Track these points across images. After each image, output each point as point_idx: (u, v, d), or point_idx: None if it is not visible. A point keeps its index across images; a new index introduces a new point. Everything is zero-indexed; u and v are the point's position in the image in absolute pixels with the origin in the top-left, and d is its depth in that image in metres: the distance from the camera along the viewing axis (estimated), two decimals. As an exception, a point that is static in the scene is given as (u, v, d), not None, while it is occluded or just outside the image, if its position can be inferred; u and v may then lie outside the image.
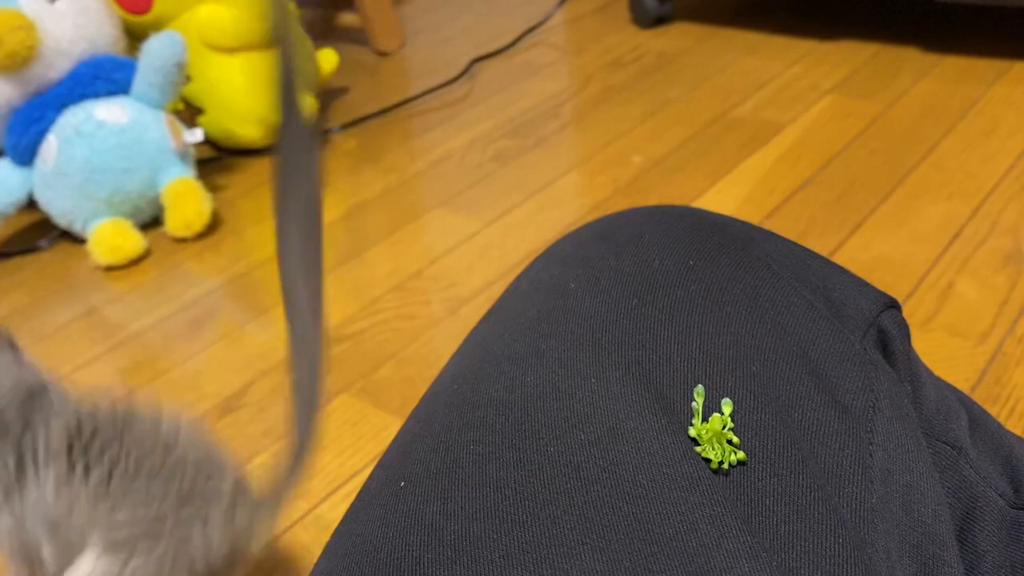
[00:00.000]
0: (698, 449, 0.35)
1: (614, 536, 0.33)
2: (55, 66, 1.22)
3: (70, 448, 0.58)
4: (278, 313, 1.11)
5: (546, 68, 1.67)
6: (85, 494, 0.57)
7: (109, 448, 0.59)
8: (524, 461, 0.36)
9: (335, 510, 0.80)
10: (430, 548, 0.34)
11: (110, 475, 0.58)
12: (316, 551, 0.76)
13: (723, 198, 1.20)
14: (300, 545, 0.77)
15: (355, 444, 0.88)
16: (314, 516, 0.80)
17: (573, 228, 1.18)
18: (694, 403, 0.36)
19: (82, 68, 1.24)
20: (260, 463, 0.87)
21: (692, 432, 0.36)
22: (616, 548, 0.32)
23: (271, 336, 1.07)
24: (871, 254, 1.06)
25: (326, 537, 0.78)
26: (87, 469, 0.58)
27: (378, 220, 1.28)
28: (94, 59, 1.25)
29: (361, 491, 0.42)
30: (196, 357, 1.05)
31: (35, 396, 0.61)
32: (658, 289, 0.43)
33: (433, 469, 0.37)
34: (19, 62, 1.19)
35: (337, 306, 1.11)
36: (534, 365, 0.40)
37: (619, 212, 0.51)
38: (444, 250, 1.19)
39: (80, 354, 1.10)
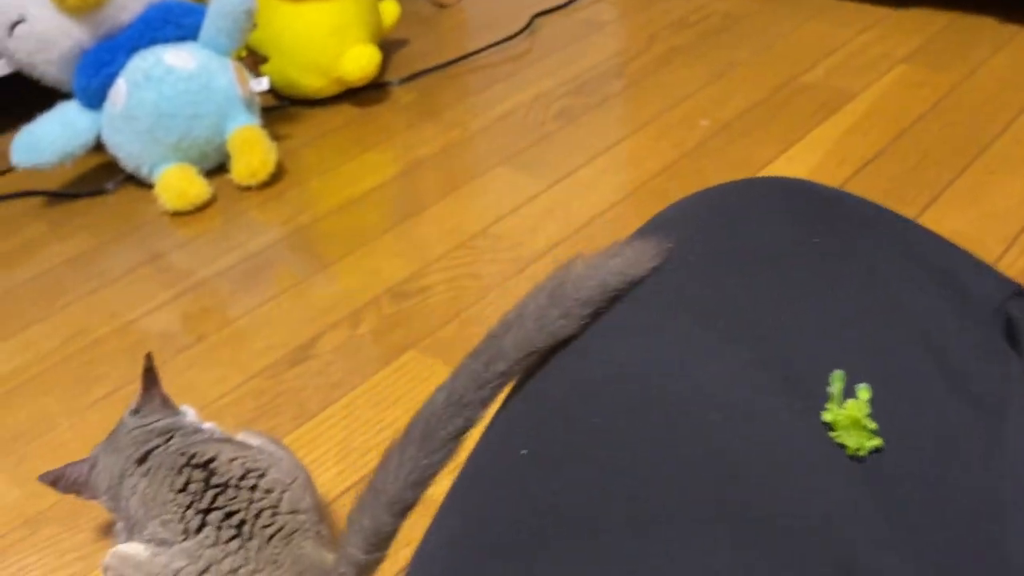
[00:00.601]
0: (833, 435, 0.35)
1: (749, 517, 0.33)
2: (127, 9, 1.22)
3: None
4: (344, 266, 1.12)
5: (608, 25, 1.64)
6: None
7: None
8: (651, 437, 0.36)
9: (406, 464, 0.82)
10: (555, 523, 0.34)
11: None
12: (388, 503, 0.78)
13: (793, 166, 1.18)
14: (372, 497, 0.79)
15: (424, 400, 0.89)
16: (385, 469, 0.82)
17: (641, 192, 1.18)
18: (830, 388, 0.36)
19: (152, 12, 1.24)
20: (330, 415, 0.89)
21: (827, 417, 0.35)
22: (752, 530, 0.32)
23: (337, 289, 1.08)
24: (944, 230, 1.03)
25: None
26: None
27: (439, 176, 1.28)
28: (164, 3, 1.25)
29: (470, 461, 0.42)
30: (263, 307, 1.06)
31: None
32: (780, 266, 0.42)
33: (553, 441, 0.38)
34: (91, 4, 1.19)
35: (402, 261, 1.11)
36: (654, 339, 0.40)
37: (729, 183, 0.50)
38: (508, 209, 1.18)
39: (148, 299, 1.11)
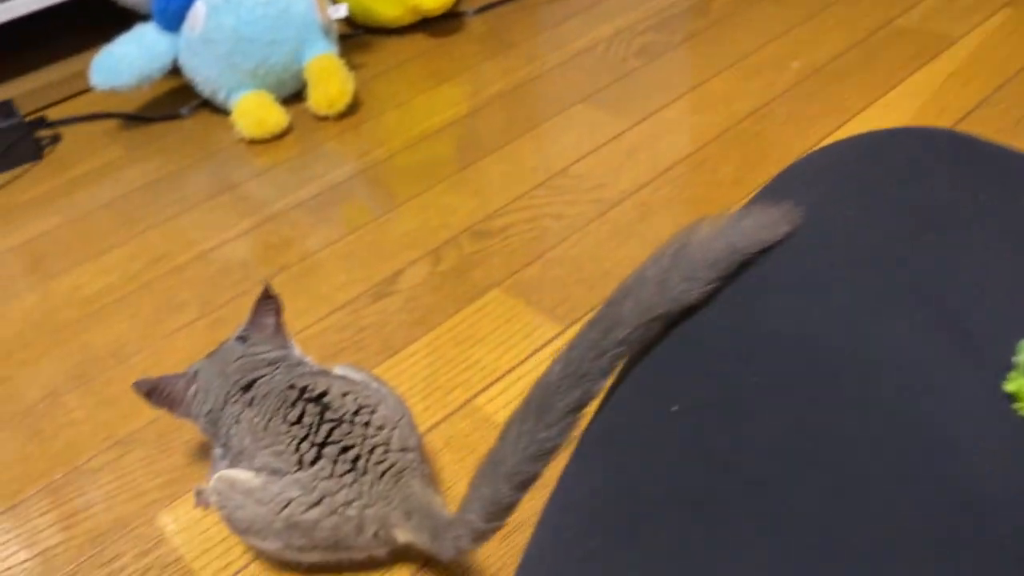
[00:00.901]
0: (1016, 406, 0.33)
1: (929, 490, 0.31)
2: (207, -70, 1.20)
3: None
4: (422, 202, 1.10)
5: (692, -41, 1.57)
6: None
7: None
8: (821, 403, 0.34)
9: (491, 403, 0.81)
10: (724, 483, 0.33)
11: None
12: (473, 439, 0.78)
13: (889, 114, 1.13)
14: (458, 432, 0.79)
15: (509, 340, 0.88)
16: (471, 407, 0.81)
17: (729, 135, 1.14)
18: (1017, 357, 0.34)
19: (232, -67, 1.21)
20: (414, 352, 0.88)
21: (1010, 387, 0.33)
22: (933, 502, 0.31)
23: (416, 226, 1.07)
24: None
25: (481, 425, 0.80)
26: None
27: (515, 113, 1.25)
28: (244, -76, 1.22)
29: (608, 408, 0.41)
30: (343, 240, 1.06)
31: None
32: (951, 224, 0.40)
33: (711, 398, 0.36)
34: (172, -76, 1.17)
35: (480, 200, 1.09)
36: (819, 297, 0.37)
37: (883, 131, 0.47)
38: (588, 149, 1.15)
39: (226, 228, 1.11)
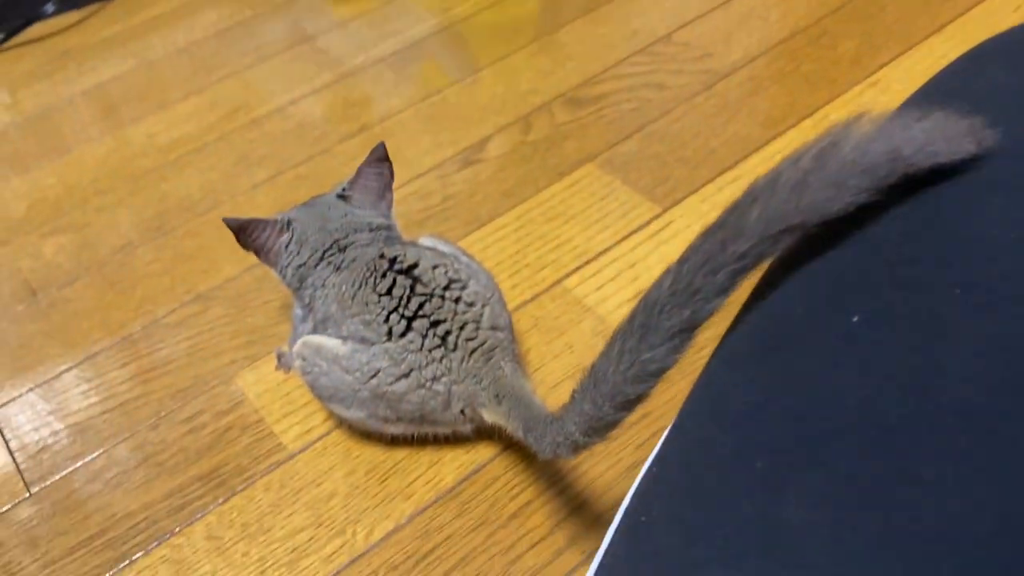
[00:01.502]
0: None
1: None
2: None
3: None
4: (513, 64, 1.03)
5: None
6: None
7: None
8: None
9: (582, 285, 0.77)
10: (921, 408, 0.28)
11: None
12: (562, 322, 0.74)
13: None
14: (547, 314, 0.75)
15: (603, 220, 0.83)
16: (561, 288, 0.77)
17: (853, 7, 1.03)
18: None
19: None
20: (502, 225, 0.84)
21: None
22: None
23: (505, 89, 1.00)
24: None
25: (571, 307, 0.75)
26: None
27: (617, -31, 1.14)
28: None
29: (763, 313, 0.35)
30: (427, 101, 1.00)
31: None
32: None
33: (901, 310, 0.31)
34: None
35: (575, 64, 1.01)
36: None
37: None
38: (695, 13, 1.06)
39: (306, 81, 1.06)
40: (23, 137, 1.05)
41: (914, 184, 0.32)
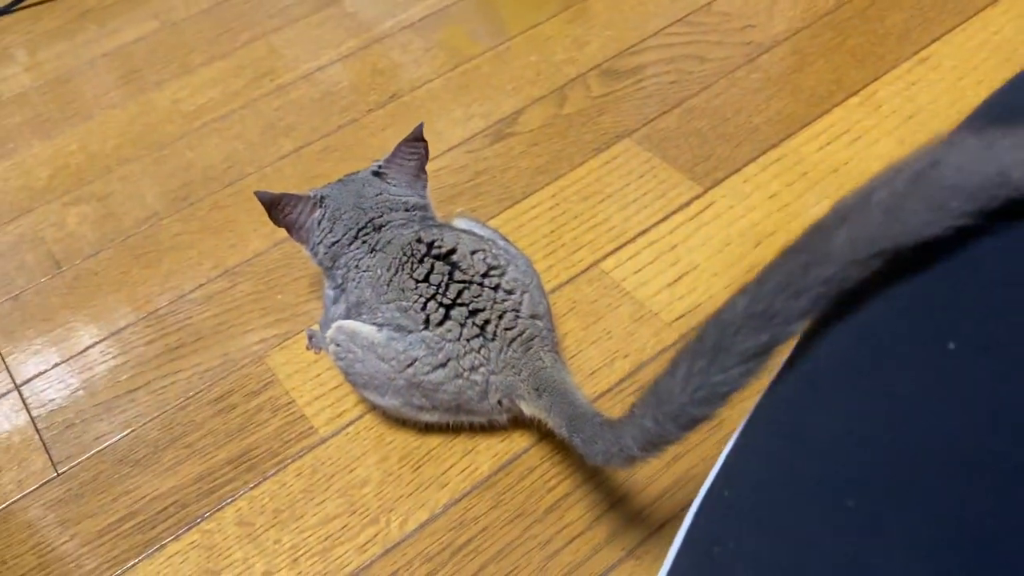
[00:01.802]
0: None
1: None
2: None
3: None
4: (545, 32, 1.00)
5: None
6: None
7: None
8: None
9: (619, 267, 0.75)
10: (1019, 446, 0.26)
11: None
12: (599, 306, 0.72)
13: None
14: (584, 297, 0.73)
15: (641, 199, 0.80)
16: (598, 270, 0.75)
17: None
18: None
19: None
20: (536, 204, 0.81)
21: None
22: None
23: (539, 59, 0.96)
24: None
25: (608, 291, 0.73)
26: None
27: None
28: None
29: (848, 332, 0.32)
30: (457, 69, 0.97)
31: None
32: None
33: (1001, 338, 0.29)
34: None
35: (612, 33, 0.98)
36: None
37: None
38: (736, -19, 1.02)
39: (333, 46, 1.03)
40: (44, 101, 1.03)
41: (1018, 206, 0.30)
